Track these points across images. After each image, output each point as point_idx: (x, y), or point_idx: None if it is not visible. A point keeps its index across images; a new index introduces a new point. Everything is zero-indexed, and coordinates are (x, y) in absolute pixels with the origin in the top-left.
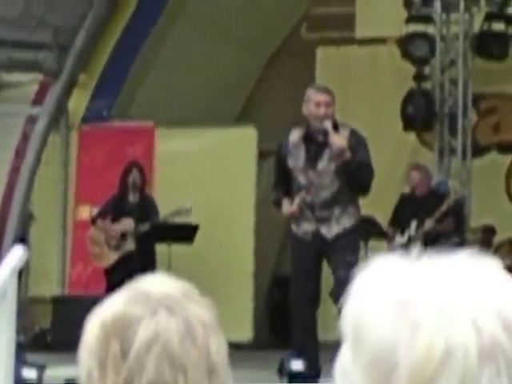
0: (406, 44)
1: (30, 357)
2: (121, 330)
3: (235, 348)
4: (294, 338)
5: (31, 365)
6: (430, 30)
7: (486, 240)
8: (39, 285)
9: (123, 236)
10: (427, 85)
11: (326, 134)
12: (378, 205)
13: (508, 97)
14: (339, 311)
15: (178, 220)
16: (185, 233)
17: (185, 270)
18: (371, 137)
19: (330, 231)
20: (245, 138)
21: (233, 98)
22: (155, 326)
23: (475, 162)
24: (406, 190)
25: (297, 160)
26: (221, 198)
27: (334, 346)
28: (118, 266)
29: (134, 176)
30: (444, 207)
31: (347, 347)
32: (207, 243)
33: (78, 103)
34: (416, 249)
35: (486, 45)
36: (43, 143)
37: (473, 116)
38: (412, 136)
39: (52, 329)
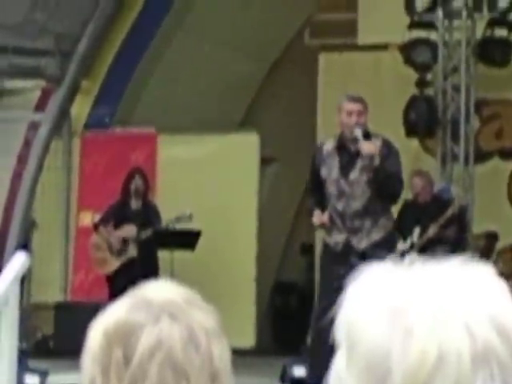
0: (408, 50)
1: (33, 363)
2: (123, 336)
3: (237, 354)
4: (311, 348)
5: (34, 371)
6: (433, 36)
7: (489, 246)
8: (41, 291)
9: (125, 242)
10: (430, 91)
11: (356, 142)
12: None
13: (511, 103)
14: None
15: (180, 226)
16: (187, 239)
17: (187, 276)
18: None
19: (360, 243)
20: (247, 144)
21: (235, 103)
22: (158, 332)
23: (477, 168)
24: (409, 196)
25: (330, 170)
26: (223, 204)
27: None
28: (120, 273)
29: (137, 182)
30: (448, 214)
31: (341, 354)
32: (209, 249)
33: (81, 109)
34: (412, 255)
35: (488, 51)
36: (45, 149)
37: (475, 122)
38: (414, 142)
39: (54, 335)
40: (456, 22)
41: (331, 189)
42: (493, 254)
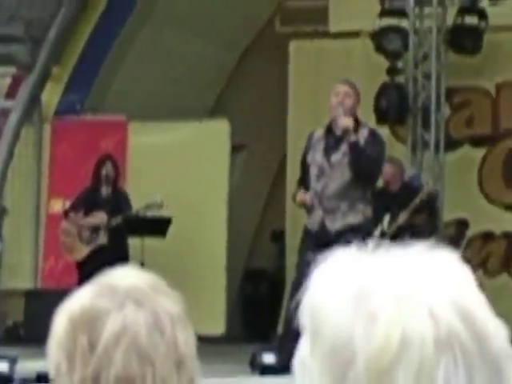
0: (379, 38)
1: (2, 350)
2: (88, 323)
3: (208, 341)
4: (281, 334)
5: (3, 357)
6: (404, 23)
7: (459, 234)
8: (12, 278)
9: (95, 229)
10: (400, 79)
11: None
12: None
13: (481, 90)
14: None
15: (151, 214)
16: (157, 226)
17: (157, 264)
18: None
19: (334, 224)
20: (218, 132)
21: (206, 91)
22: (123, 319)
23: (448, 156)
24: (379, 183)
25: (315, 154)
26: (194, 192)
27: None
28: (90, 260)
29: (107, 169)
30: (417, 201)
31: (305, 340)
32: (180, 236)
33: (51, 96)
34: (382, 242)
35: (459, 39)
36: (16, 136)
37: (446, 110)
38: (385, 130)
39: (25, 322)
40: (427, 10)
41: (313, 171)
42: (463, 242)
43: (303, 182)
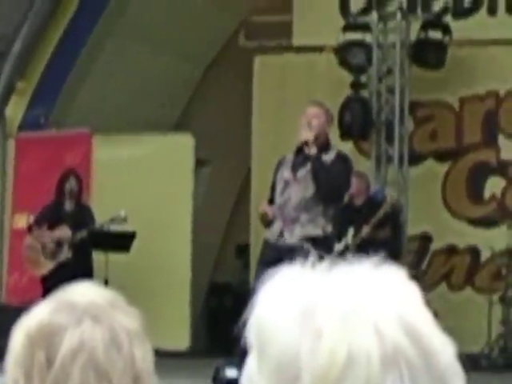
0: (343, 52)
1: None
2: (46, 338)
3: (173, 356)
4: (242, 348)
5: None
6: (367, 38)
7: (423, 248)
8: None
9: (59, 244)
10: (364, 93)
11: (318, 150)
12: None
13: (444, 105)
14: None
15: (115, 228)
16: (121, 241)
17: (122, 278)
18: None
19: (292, 236)
20: (182, 146)
21: (170, 105)
22: (80, 334)
23: (412, 170)
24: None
25: (283, 172)
26: (158, 206)
27: None
28: (54, 275)
29: (71, 184)
30: (380, 214)
31: (253, 357)
32: (144, 251)
33: (16, 110)
34: (346, 256)
35: (422, 53)
36: None
37: (409, 124)
38: (349, 144)
39: None
40: (390, 24)
41: (279, 187)
42: (427, 256)
43: (271, 202)
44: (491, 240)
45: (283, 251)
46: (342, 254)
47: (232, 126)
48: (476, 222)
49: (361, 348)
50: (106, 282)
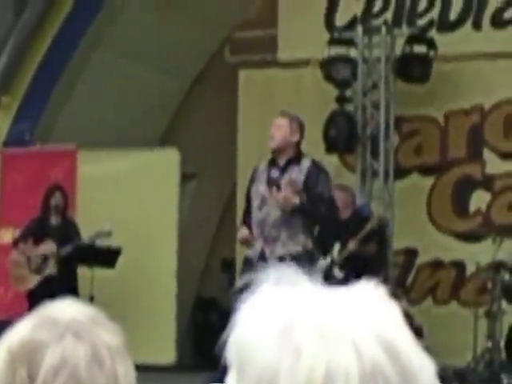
0: (328, 67)
1: None
2: (27, 355)
3: (158, 370)
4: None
5: None
6: (352, 52)
7: (408, 262)
8: None
9: (45, 259)
10: (349, 107)
11: (289, 161)
12: None
13: (429, 119)
14: None
15: (100, 243)
16: (107, 257)
17: (108, 293)
18: None
19: (274, 253)
20: (167, 161)
21: (156, 120)
22: (62, 351)
23: (397, 185)
24: None
25: (258, 186)
26: (144, 220)
27: None
28: (39, 290)
29: (57, 199)
30: (367, 229)
31: (232, 375)
32: (130, 266)
33: (0, 126)
34: (332, 271)
35: (407, 68)
36: None
37: (395, 138)
38: (334, 158)
39: None
40: (375, 39)
41: (255, 202)
42: (412, 270)
43: (248, 214)
44: (476, 254)
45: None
46: (328, 269)
47: (217, 140)
48: (461, 236)
49: (339, 365)
50: (91, 297)
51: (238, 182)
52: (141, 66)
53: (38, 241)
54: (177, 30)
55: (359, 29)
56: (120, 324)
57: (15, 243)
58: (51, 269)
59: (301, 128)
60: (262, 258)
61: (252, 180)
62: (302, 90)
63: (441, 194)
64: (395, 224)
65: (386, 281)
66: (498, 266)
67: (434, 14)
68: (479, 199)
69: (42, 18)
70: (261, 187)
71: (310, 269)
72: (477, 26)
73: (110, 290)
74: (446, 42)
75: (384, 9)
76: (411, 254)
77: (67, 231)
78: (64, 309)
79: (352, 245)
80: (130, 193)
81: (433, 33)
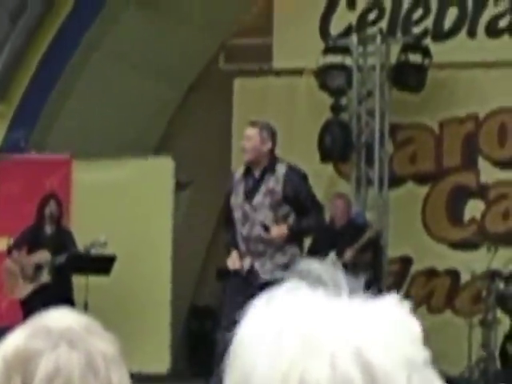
0: (323, 75)
1: None
2: (22, 364)
3: (153, 379)
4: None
5: None
6: (347, 61)
7: (403, 270)
8: None
9: (39, 268)
10: (344, 116)
11: (264, 171)
12: None
13: (424, 128)
14: None
15: (95, 252)
16: (101, 264)
17: (102, 302)
18: None
19: (264, 268)
20: (162, 169)
21: (150, 128)
22: (56, 359)
23: (392, 193)
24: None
25: (237, 196)
26: (138, 229)
27: None
28: (33, 298)
29: (51, 207)
30: (365, 239)
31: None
32: (124, 274)
33: None
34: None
35: (402, 76)
36: None
37: (389, 147)
38: (329, 167)
39: None
40: (370, 47)
41: (237, 214)
42: (407, 279)
43: (230, 228)
44: (471, 263)
45: (256, 283)
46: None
47: (212, 148)
48: (456, 245)
49: (312, 377)
50: (86, 305)
51: None
52: (136, 74)
53: (32, 249)
54: (171, 38)
55: (354, 37)
56: (114, 332)
57: (9, 251)
58: (45, 278)
59: (272, 135)
60: (252, 271)
61: (231, 188)
62: (296, 98)
63: (435, 202)
64: (390, 232)
65: (380, 290)
66: (492, 275)
67: (429, 22)
68: (474, 208)
69: (36, 26)
70: (239, 199)
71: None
72: (472, 34)
73: (104, 297)
74: (440, 51)
75: (379, 17)
76: (406, 262)
77: (62, 240)
78: (58, 318)
79: (349, 254)
80: (125, 201)
81: (428, 41)
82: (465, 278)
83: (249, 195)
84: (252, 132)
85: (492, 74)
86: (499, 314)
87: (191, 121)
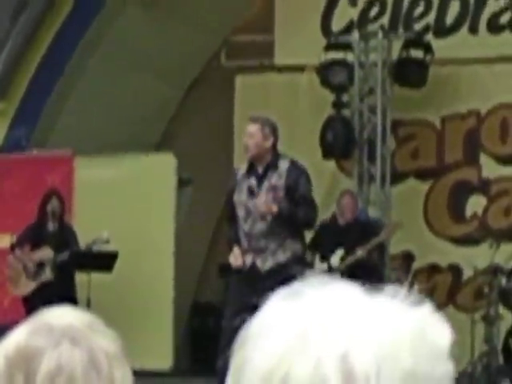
0: (324, 71)
1: None
2: (24, 361)
3: (156, 376)
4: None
5: None
6: (349, 57)
7: (405, 266)
8: None
9: (41, 265)
10: (346, 112)
11: (267, 167)
12: None
13: (426, 123)
14: None
15: (97, 249)
16: (104, 261)
17: (105, 299)
18: None
19: (265, 264)
20: (164, 166)
21: (152, 125)
22: (58, 357)
23: (394, 189)
24: (325, 217)
25: (240, 193)
26: (140, 226)
27: None
28: (36, 295)
29: (54, 204)
30: (380, 238)
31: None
32: (127, 271)
33: None
34: (331, 276)
35: (404, 72)
36: None
37: (391, 143)
38: (331, 163)
39: None
40: (372, 43)
41: (240, 211)
42: (409, 274)
43: (233, 224)
44: (473, 258)
45: (257, 280)
46: (328, 274)
47: (214, 145)
48: (458, 241)
49: (294, 375)
50: (88, 302)
51: None
52: (137, 71)
53: (35, 247)
54: (173, 35)
55: (356, 33)
56: (117, 329)
57: (12, 248)
58: (48, 275)
59: (274, 130)
60: (253, 268)
61: (234, 185)
62: (298, 95)
63: (437, 198)
64: None
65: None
66: (494, 271)
67: (431, 18)
68: (476, 203)
69: (37, 25)
70: (242, 196)
71: (305, 271)
72: (473, 30)
73: (106, 294)
74: (442, 47)
75: (380, 13)
76: (408, 258)
77: (64, 237)
78: (60, 315)
79: (361, 252)
80: (127, 198)
81: (429, 37)
82: (467, 273)
83: (252, 192)
84: (254, 129)
85: (493, 69)
86: (501, 309)
87: (193, 117)
